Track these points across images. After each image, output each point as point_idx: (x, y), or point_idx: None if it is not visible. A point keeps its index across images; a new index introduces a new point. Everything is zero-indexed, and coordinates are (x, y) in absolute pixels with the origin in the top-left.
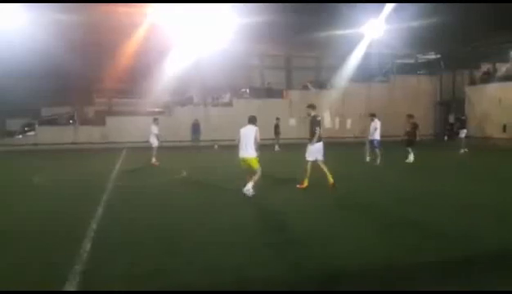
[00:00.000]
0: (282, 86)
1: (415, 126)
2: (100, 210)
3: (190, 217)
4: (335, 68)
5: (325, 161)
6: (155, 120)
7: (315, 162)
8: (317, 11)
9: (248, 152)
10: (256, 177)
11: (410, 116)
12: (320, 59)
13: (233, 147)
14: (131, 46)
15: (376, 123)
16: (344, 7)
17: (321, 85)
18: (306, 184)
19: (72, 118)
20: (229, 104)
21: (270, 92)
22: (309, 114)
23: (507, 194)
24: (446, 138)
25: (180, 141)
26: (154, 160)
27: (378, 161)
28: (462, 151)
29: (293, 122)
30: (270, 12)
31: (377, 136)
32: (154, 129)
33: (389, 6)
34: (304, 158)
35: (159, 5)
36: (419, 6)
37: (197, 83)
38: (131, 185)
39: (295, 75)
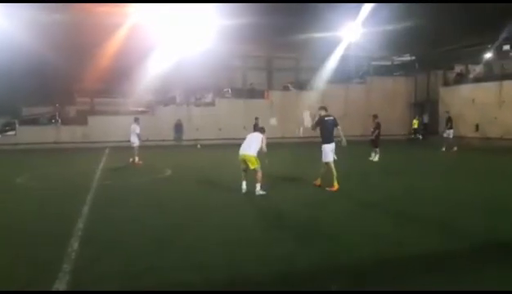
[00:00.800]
0: (264, 86)
1: (377, 126)
2: (86, 209)
3: (178, 215)
4: (315, 69)
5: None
6: (136, 119)
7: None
8: (298, 13)
9: (249, 150)
10: (259, 176)
11: (374, 116)
12: (300, 60)
13: (216, 146)
14: (113, 46)
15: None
16: (323, 10)
17: (301, 86)
18: (336, 186)
19: (54, 117)
20: (211, 103)
21: (252, 93)
22: (320, 115)
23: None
24: (420, 137)
25: (163, 140)
26: (137, 159)
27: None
28: (443, 149)
29: (274, 121)
30: (252, 14)
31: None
32: (136, 128)
33: (366, 10)
34: (322, 160)
35: (142, 5)
36: (394, 10)
37: (180, 83)
38: (116, 184)
39: (276, 76)
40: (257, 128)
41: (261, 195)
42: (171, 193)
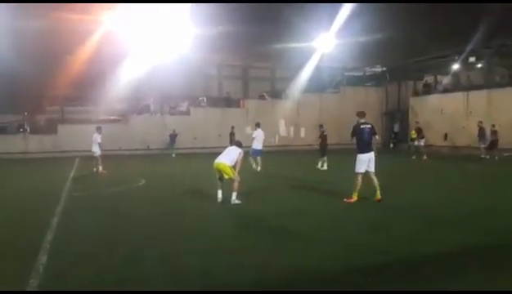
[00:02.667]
0: (239, 95)
1: (320, 136)
2: (55, 221)
3: (150, 225)
4: (290, 79)
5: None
6: (98, 128)
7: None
8: (273, 23)
9: (224, 160)
10: (235, 185)
11: (320, 126)
12: (275, 70)
13: (191, 155)
14: (85, 53)
15: None
16: (298, 21)
17: (277, 95)
18: (355, 198)
19: (22, 126)
20: (186, 112)
21: (227, 101)
22: (358, 122)
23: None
24: (392, 146)
25: (136, 149)
26: (100, 169)
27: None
28: (414, 157)
29: (249, 130)
30: (228, 22)
31: None
32: (97, 138)
33: (339, 22)
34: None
35: (116, 11)
36: (366, 23)
37: (154, 92)
38: (86, 195)
39: (252, 85)
40: (233, 140)
41: (236, 204)
42: (144, 202)
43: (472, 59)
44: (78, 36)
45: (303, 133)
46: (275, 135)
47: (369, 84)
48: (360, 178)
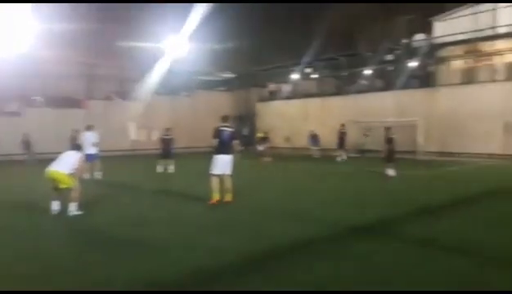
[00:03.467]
0: (83, 95)
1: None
2: None
3: None
4: (140, 80)
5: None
6: None
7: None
8: (120, 20)
9: (58, 167)
10: (74, 195)
11: (167, 129)
12: (123, 69)
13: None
14: None
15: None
16: (148, 21)
17: (126, 96)
18: (217, 197)
19: None
20: (17, 113)
21: (68, 102)
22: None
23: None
24: (241, 148)
25: None
26: None
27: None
28: (265, 159)
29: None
30: (71, 18)
31: None
32: None
33: (191, 26)
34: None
35: None
36: (217, 31)
37: None
38: None
39: (98, 85)
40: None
41: (76, 216)
42: None
43: (308, 70)
44: None
45: (154, 136)
46: (125, 139)
47: (221, 89)
48: (215, 179)
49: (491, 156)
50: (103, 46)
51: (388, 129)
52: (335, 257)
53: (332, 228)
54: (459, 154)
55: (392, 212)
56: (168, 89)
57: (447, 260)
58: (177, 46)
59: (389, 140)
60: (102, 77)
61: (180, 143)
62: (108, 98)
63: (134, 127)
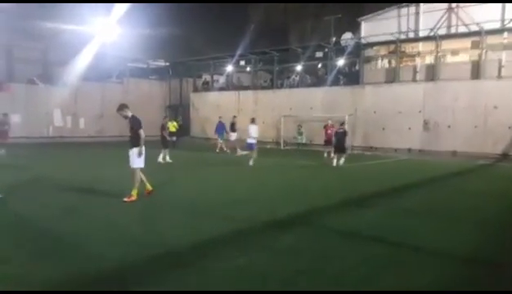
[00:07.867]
0: (2, 78)
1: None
2: None
3: None
4: (66, 64)
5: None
6: None
7: None
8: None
9: None
10: None
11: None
12: (47, 52)
13: None
14: None
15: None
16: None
17: (50, 80)
18: (150, 188)
19: None
20: None
21: None
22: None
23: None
24: (174, 139)
25: None
26: None
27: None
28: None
29: (17, 118)
30: None
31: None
32: None
33: (120, 10)
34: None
35: None
36: (149, 16)
37: None
38: None
39: (18, 67)
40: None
41: None
42: None
43: (242, 62)
44: None
45: (82, 124)
46: (48, 126)
47: (153, 77)
48: (139, 172)
49: (410, 151)
50: (22, 27)
51: (341, 124)
52: (254, 250)
53: (248, 222)
54: (382, 149)
55: (310, 205)
56: (97, 75)
57: (369, 249)
58: (107, 29)
59: (342, 134)
60: (24, 60)
61: (111, 132)
62: (30, 82)
63: (59, 114)
